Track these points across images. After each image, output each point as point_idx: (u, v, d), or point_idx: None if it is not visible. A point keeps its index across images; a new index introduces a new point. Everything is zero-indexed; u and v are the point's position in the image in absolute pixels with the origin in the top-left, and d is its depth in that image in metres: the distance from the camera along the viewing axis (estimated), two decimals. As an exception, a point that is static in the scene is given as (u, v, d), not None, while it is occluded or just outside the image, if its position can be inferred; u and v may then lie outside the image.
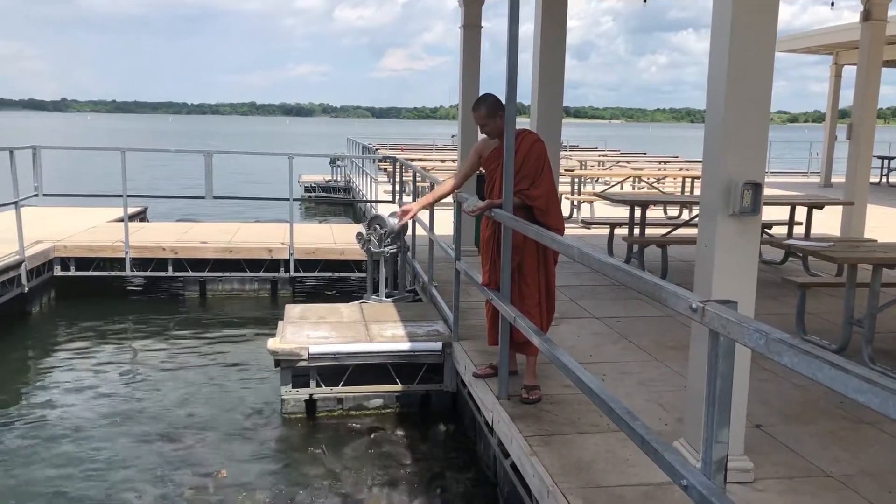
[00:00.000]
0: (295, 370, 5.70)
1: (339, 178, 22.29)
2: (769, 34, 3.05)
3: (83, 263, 9.45)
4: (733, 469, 3.19)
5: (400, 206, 8.79)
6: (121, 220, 9.85)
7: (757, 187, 3.06)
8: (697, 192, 12.86)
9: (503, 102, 4.28)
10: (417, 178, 8.70)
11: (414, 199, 8.25)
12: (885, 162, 20.22)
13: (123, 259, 9.39)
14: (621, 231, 8.70)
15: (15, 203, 8.53)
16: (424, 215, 7.22)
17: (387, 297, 7.56)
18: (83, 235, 9.99)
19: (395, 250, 7.67)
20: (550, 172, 4.42)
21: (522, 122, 4.98)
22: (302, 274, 9.79)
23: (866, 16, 9.27)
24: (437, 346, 5.77)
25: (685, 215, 11.52)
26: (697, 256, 3.29)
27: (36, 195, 9.28)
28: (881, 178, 20.19)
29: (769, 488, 3.29)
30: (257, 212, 16.72)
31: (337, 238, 10.34)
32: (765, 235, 8.50)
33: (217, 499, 4.63)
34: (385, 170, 17.13)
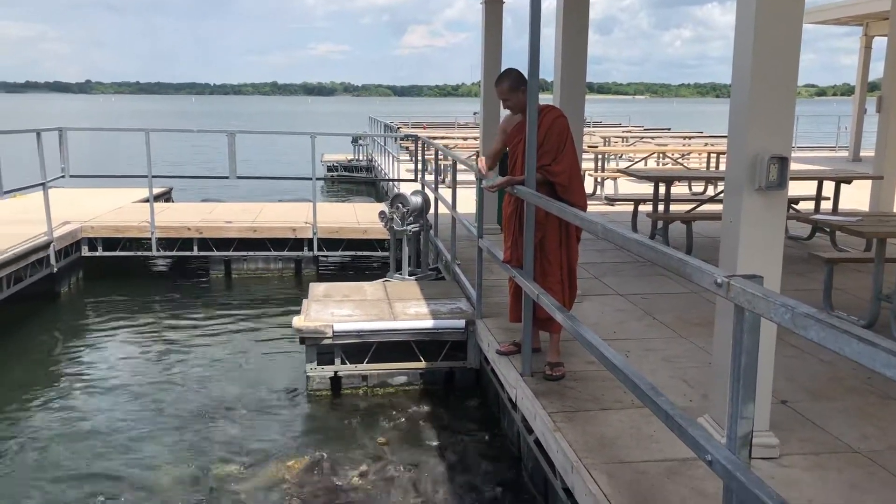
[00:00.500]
0: (320, 348, 5.76)
1: (361, 157, 22.31)
2: (796, 5, 3.00)
3: (110, 244, 9.57)
4: (758, 445, 3.18)
5: (422, 185, 8.79)
6: (146, 200, 9.94)
7: (783, 161, 3.02)
8: (723, 167, 12.73)
9: (526, 77, 4.25)
10: (440, 157, 8.68)
11: (436, 178, 8.24)
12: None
13: (149, 239, 9.50)
14: (645, 208, 8.64)
15: (42, 185, 8.64)
16: (447, 193, 7.21)
17: (410, 275, 7.58)
18: (110, 216, 10.10)
19: (417, 228, 7.68)
20: (573, 148, 4.39)
21: (545, 99, 4.95)
22: (325, 253, 9.84)
23: (897, -15, 9.04)
24: (461, 323, 5.78)
25: (710, 191, 11.41)
26: (723, 232, 3.26)
27: (63, 176, 9.39)
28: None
29: (795, 464, 3.28)
30: (280, 191, 16.79)
31: (360, 217, 10.37)
32: (791, 211, 8.40)
33: (245, 475, 4.70)
34: (407, 148, 17.11)
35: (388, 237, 7.98)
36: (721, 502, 2.10)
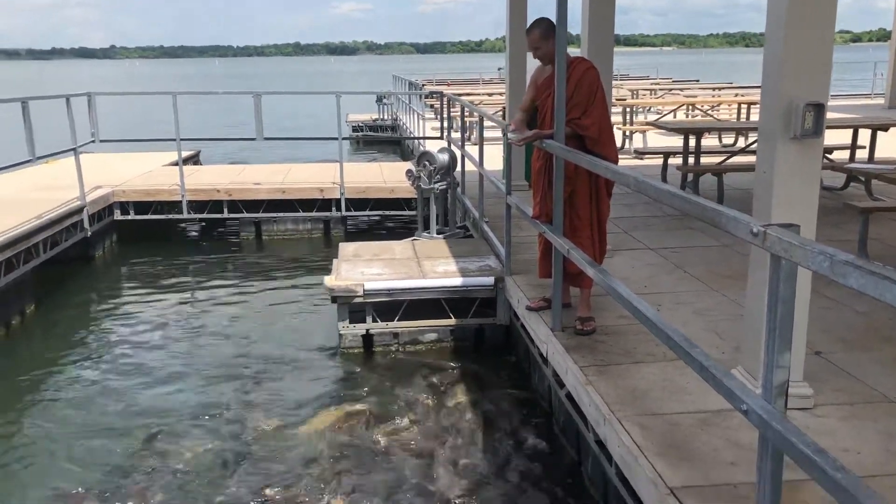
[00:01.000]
0: (351, 306, 5.81)
1: (386, 117, 22.20)
2: (834, -55, 2.90)
3: (142, 207, 9.69)
4: (793, 395, 3.17)
5: (448, 142, 8.74)
6: (175, 164, 10.02)
7: (819, 108, 2.96)
8: (754, 118, 12.50)
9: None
10: (465, 113, 8.61)
11: (462, 135, 8.19)
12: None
13: (180, 202, 9.59)
14: (675, 161, 8.53)
15: (74, 150, 8.73)
16: (474, 150, 7.17)
17: (438, 233, 7.59)
18: (140, 180, 10.20)
19: (444, 186, 7.66)
20: (604, 101, 4.32)
21: (573, 53, 4.87)
22: (353, 213, 9.87)
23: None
24: (490, 280, 5.80)
25: (741, 143, 11.22)
26: (756, 183, 3.20)
27: (93, 141, 9.48)
28: (950, 98, 19.24)
29: (829, 414, 3.27)
30: (307, 152, 16.80)
31: (386, 176, 10.36)
32: (825, 160, 8.24)
33: (283, 429, 4.80)
34: (432, 106, 16.98)
35: (416, 196, 7.97)
36: (756, 452, 2.11)
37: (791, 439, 1.86)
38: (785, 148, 3.02)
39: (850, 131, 8.36)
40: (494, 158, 7.79)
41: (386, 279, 5.85)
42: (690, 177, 7.93)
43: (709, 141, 11.63)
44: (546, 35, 4.24)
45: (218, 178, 10.39)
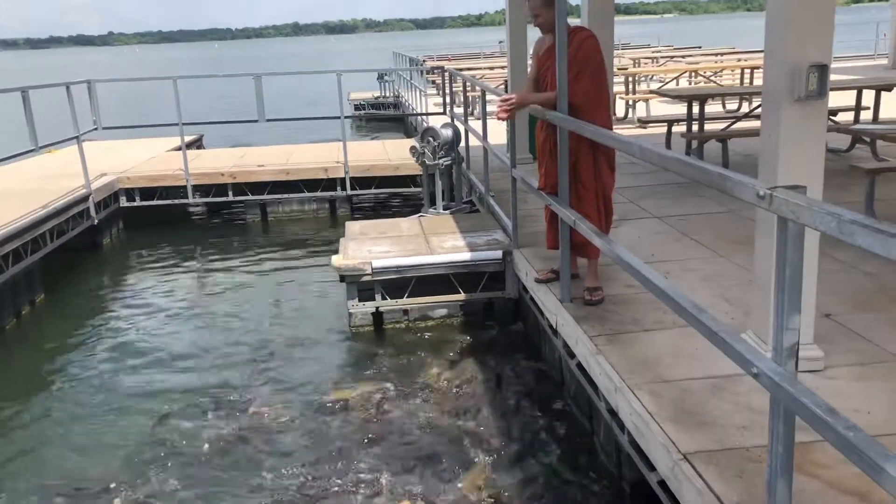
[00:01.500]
0: (360, 284, 5.84)
1: (387, 94, 22.10)
2: None
3: (147, 193, 9.71)
4: (803, 358, 3.18)
5: (451, 118, 8.71)
6: (179, 148, 10.02)
7: (823, 69, 2.93)
8: (757, 82, 12.40)
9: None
10: (468, 88, 8.57)
11: (465, 110, 8.15)
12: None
13: (185, 187, 9.61)
14: (679, 128, 8.49)
15: (76, 138, 8.73)
16: (477, 125, 7.15)
17: (444, 209, 7.59)
18: (144, 166, 10.21)
19: (449, 162, 7.65)
20: (599, 71, 4.23)
21: (574, 23, 4.82)
22: (358, 192, 9.87)
23: None
24: (498, 254, 5.81)
25: (745, 108, 11.14)
26: (761, 146, 3.19)
27: (95, 129, 9.48)
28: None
29: (840, 375, 3.28)
30: (310, 133, 16.76)
31: (390, 154, 10.34)
32: (830, 122, 8.19)
33: (298, 407, 4.85)
34: (434, 82, 16.88)
35: (421, 172, 7.96)
36: (768, 415, 2.12)
37: (802, 400, 1.87)
38: (790, 110, 3.00)
39: (854, 92, 8.29)
40: (499, 132, 7.77)
41: (394, 256, 5.87)
42: (695, 144, 7.90)
43: (712, 107, 11.55)
44: (547, 2, 4.20)
45: (221, 161, 10.39)
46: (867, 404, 3.03)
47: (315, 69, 44.26)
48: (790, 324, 2.02)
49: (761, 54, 3.42)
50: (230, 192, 9.78)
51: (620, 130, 10.87)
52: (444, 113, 10.45)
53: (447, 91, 10.11)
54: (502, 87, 12.04)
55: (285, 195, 9.87)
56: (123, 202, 9.65)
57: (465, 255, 5.85)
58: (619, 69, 13.25)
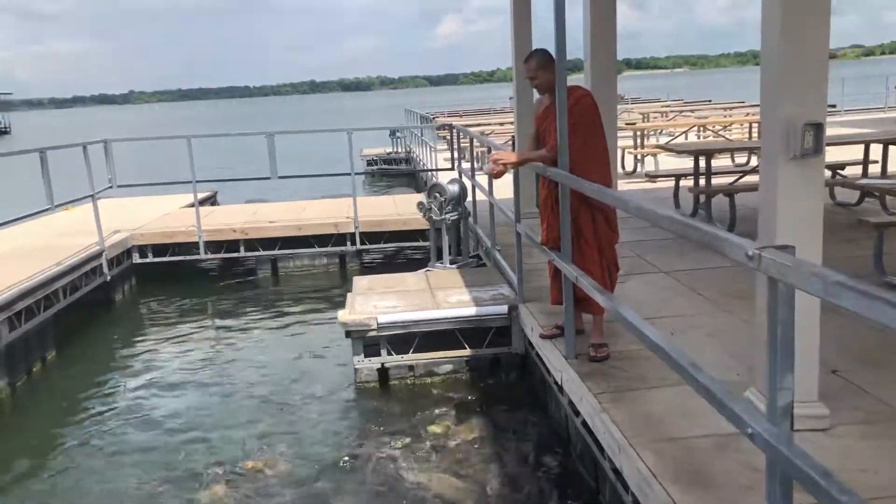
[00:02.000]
0: (366, 340, 5.83)
1: (399, 150, 22.39)
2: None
3: (160, 250, 9.81)
4: (807, 416, 3.14)
5: (459, 173, 8.79)
6: (192, 205, 10.15)
7: (818, 127, 2.96)
8: (766, 136, 12.45)
9: (554, 57, 4.22)
10: (475, 144, 8.68)
11: (472, 166, 8.24)
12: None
13: (197, 243, 9.70)
14: (687, 182, 8.52)
15: (92, 196, 8.88)
16: (483, 180, 7.21)
17: (451, 263, 7.61)
18: (158, 223, 10.34)
19: (456, 217, 7.70)
20: (592, 129, 4.26)
21: (577, 78, 4.89)
22: (368, 246, 9.93)
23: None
24: (503, 309, 5.80)
25: (753, 162, 11.18)
26: (760, 203, 3.21)
27: (110, 187, 9.63)
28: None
29: (847, 434, 3.22)
30: (322, 189, 16.94)
31: (400, 209, 10.43)
32: (838, 177, 8.20)
33: (301, 469, 4.80)
34: (444, 137, 17.11)
35: (428, 227, 8.01)
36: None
37: (797, 462, 1.85)
38: (786, 168, 3.03)
39: (862, 146, 8.31)
40: (505, 186, 7.80)
41: (400, 311, 5.87)
42: (703, 198, 7.91)
43: (721, 161, 11.61)
44: (542, 65, 4.28)
45: (234, 217, 10.51)
46: (874, 463, 2.98)
47: (330, 125, 44.95)
48: (784, 383, 2.00)
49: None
50: (242, 248, 9.86)
51: (629, 185, 10.93)
52: (452, 168, 10.56)
53: (456, 147, 10.24)
54: (510, 143, 12.18)
55: (296, 250, 9.94)
56: (136, 258, 9.75)
57: (471, 310, 5.85)
58: (627, 124, 13.39)
